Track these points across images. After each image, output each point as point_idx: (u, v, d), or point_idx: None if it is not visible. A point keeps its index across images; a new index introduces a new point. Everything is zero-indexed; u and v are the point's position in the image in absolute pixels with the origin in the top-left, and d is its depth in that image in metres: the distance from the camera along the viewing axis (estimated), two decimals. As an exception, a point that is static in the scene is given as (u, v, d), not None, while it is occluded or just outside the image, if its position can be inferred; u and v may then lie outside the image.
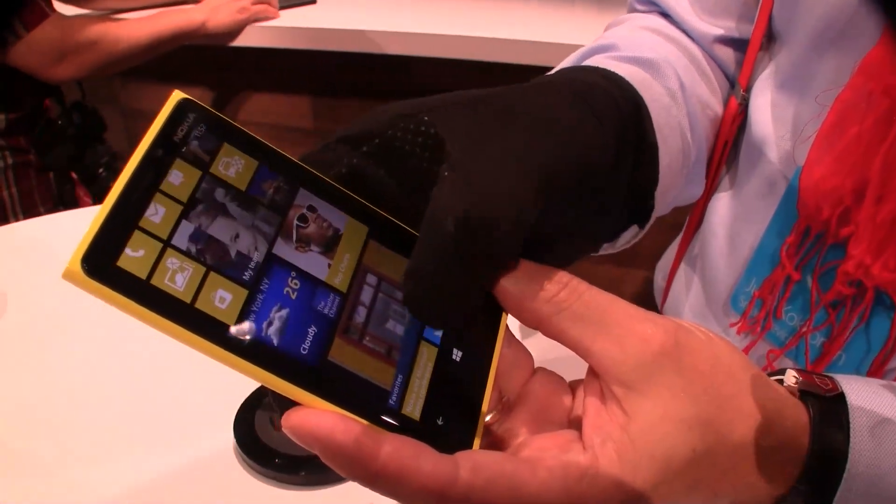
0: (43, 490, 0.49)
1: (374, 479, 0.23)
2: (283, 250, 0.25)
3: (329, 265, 0.26)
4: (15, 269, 0.70)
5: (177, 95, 0.25)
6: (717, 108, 0.54)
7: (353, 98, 1.55)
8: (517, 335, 0.30)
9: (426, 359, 0.27)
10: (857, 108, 0.41)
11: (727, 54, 0.55)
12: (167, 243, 0.23)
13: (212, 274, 0.23)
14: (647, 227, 0.42)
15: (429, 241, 0.25)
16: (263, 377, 0.23)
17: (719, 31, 0.53)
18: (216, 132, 0.25)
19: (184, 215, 0.24)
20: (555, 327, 0.26)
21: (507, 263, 0.27)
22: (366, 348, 0.26)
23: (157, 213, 0.23)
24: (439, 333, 0.28)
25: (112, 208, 0.22)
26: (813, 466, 0.27)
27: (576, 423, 0.27)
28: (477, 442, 0.26)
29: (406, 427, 0.25)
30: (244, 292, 0.24)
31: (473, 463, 0.24)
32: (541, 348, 0.31)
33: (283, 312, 0.24)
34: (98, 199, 1.27)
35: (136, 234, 0.22)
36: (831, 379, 0.30)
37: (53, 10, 1.13)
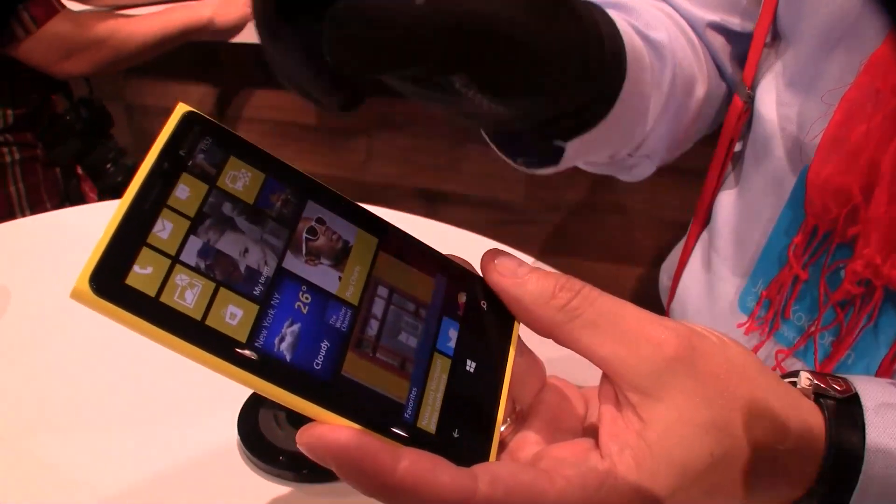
0: (44, 486, 0.49)
1: (391, 494, 0.23)
2: (293, 264, 0.25)
3: (340, 278, 0.26)
4: (19, 265, 0.70)
5: (181, 108, 0.25)
6: (701, 81, 0.54)
7: (357, 95, 1.54)
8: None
9: (440, 371, 0.27)
10: (864, 107, 0.41)
11: (718, 42, 0.55)
12: (176, 259, 0.23)
13: (222, 290, 0.23)
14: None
15: None
16: (277, 394, 0.23)
17: (712, 18, 0.53)
18: (222, 145, 0.25)
19: (192, 230, 0.23)
20: (568, 335, 0.26)
21: None
22: (379, 362, 0.25)
23: (164, 229, 0.23)
24: (452, 345, 0.27)
25: (119, 225, 0.22)
26: (829, 468, 0.27)
27: (590, 431, 0.28)
28: (493, 453, 0.26)
29: (422, 440, 0.25)
30: (255, 308, 0.23)
31: (492, 475, 0.24)
32: (545, 355, 0.30)
33: (295, 327, 0.24)
34: (104, 194, 1.27)
35: (144, 251, 0.22)
36: (844, 380, 0.30)
37: (63, 6, 1.13)
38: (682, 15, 0.54)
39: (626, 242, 1.54)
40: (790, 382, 0.29)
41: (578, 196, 1.52)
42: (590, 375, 0.28)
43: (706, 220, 0.60)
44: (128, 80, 1.64)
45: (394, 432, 0.24)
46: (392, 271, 0.27)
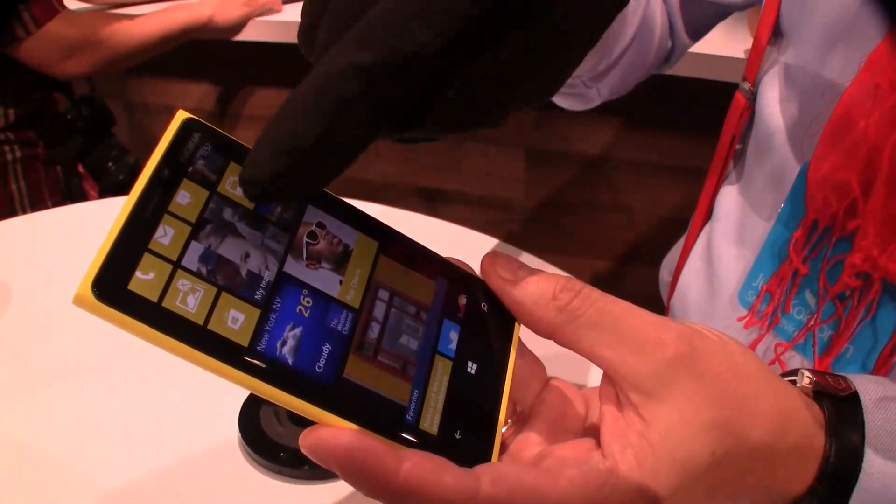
0: (46, 484, 0.49)
1: (395, 496, 0.23)
2: (294, 268, 0.25)
3: (340, 281, 0.26)
4: (20, 262, 0.70)
5: (181, 115, 0.25)
6: (658, 27, 0.57)
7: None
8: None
9: (441, 373, 0.27)
10: (863, 103, 0.41)
11: (675, 1, 0.58)
12: (177, 265, 0.23)
13: (223, 294, 0.23)
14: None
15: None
16: (279, 397, 0.23)
17: None
18: (222, 151, 0.25)
19: (193, 236, 0.23)
20: (569, 336, 0.26)
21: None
22: (381, 364, 0.25)
23: (165, 235, 0.23)
24: (454, 346, 0.28)
25: (120, 231, 0.22)
26: (830, 466, 0.27)
27: (591, 432, 0.28)
28: (495, 454, 0.26)
29: (425, 442, 0.25)
30: (257, 312, 0.24)
31: (494, 475, 0.24)
32: (545, 356, 0.30)
33: (297, 331, 0.24)
34: (106, 193, 1.28)
35: (146, 257, 0.22)
36: (844, 378, 0.30)
37: (63, 6, 1.13)
38: None
39: (626, 241, 1.55)
40: (790, 381, 0.29)
41: (578, 195, 1.52)
42: (590, 376, 0.28)
43: (707, 215, 0.60)
44: (129, 78, 1.65)
45: (397, 434, 0.24)
46: (393, 274, 0.27)
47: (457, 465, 0.24)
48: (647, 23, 0.56)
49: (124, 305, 0.21)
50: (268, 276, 0.24)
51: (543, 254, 0.73)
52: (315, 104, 0.22)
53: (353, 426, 0.24)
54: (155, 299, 0.22)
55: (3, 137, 1.12)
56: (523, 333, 0.29)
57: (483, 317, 0.29)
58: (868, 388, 0.29)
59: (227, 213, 0.25)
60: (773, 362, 0.50)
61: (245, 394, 0.54)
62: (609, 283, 1.59)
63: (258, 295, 0.24)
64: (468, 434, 0.26)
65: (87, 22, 1.14)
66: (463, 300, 0.29)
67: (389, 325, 0.26)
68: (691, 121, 1.33)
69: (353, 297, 0.26)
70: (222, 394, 0.54)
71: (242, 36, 1.31)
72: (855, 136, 0.42)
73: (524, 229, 1.58)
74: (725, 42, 1.12)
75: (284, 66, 1.56)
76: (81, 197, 1.27)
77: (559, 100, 0.61)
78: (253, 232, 0.25)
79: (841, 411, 0.28)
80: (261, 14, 1.31)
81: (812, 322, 0.47)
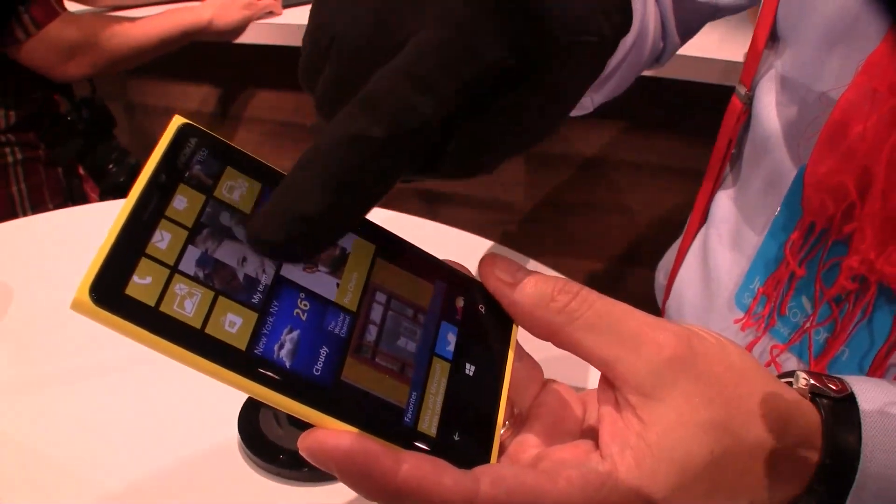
0: (46, 485, 0.49)
1: (394, 498, 0.23)
2: (291, 272, 0.25)
3: (337, 285, 0.26)
4: (21, 263, 0.70)
5: (177, 120, 0.25)
6: (651, 32, 0.57)
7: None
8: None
9: (439, 374, 0.27)
10: (861, 107, 0.42)
11: (668, 2, 0.58)
12: (174, 269, 0.23)
13: (220, 298, 0.23)
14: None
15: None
16: (278, 400, 0.23)
17: None
18: (218, 156, 0.26)
19: (190, 240, 0.24)
20: (567, 338, 0.26)
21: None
22: (379, 367, 0.26)
23: (162, 240, 0.23)
24: (451, 348, 0.28)
25: (118, 236, 0.22)
26: (827, 467, 0.28)
27: (589, 433, 0.28)
28: (494, 455, 0.26)
29: (423, 444, 0.25)
30: (254, 315, 0.24)
31: (493, 476, 0.24)
32: (543, 358, 0.31)
33: (294, 334, 0.24)
34: (106, 195, 1.28)
35: (143, 262, 0.22)
36: (840, 380, 0.30)
37: (64, 8, 1.13)
38: None
39: (626, 242, 1.55)
40: (787, 382, 0.30)
41: (578, 196, 1.52)
42: (588, 378, 0.29)
43: (703, 218, 0.60)
44: (129, 80, 1.65)
45: (395, 436, 0.24)
46: (390, 277, 0.28)
47: (455, 466, 0.24)
48: (642, 31, 0.56)
49: (122, 310, 0.21)
50: (265, 279, 0.25)
51: (543, 255, 0.73)
52: (325, 173, 0.22)
53: (352, 428, 0.24)
54: (153, 304, 0.22)
55: (3, 139, 1.12)
56: (521, 335, 0.29)
57: (481, 319, 0.29)
58: (864, 389, 0.29)
59: (224, 218, 0.25)
60: (768, 364, 0.50)
61: (244, 396, 0.54)
62: (608, 284, 1.59)
63: (255, 299, 0.24)
64: (466, 436, 0.26)
65: (87, 24, 1.14)
66: (461, 302, 0.29)
67: (387, 328, 0.26)
68: (691, 123, 1.33)
69: (350, 300, 0.26)
70: (222, 395, 0.54)
71: (243, 39, 1.32)
72: (852, 140, 0.42)
73: (524, 231, 1.58)
74: (726, 45, 1.12)
75: (284, 69, 1.56)
76: (82, 199, 1.27)
77: None
78: None
79: (837, 412, 0.29)
80: (261, 17, 1.32)
81: (808, 324, 0.48)
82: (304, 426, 0.24)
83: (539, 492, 0.24)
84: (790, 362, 0.49)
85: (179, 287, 0.23)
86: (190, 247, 0.23)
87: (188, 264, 0.23)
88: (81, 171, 1.27)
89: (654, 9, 0.58)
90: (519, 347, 0.29)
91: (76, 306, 0.21)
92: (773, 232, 0.50)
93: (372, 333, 0.26)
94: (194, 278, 0.23)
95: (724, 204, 0.57)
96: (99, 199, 1.28)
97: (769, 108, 0.51)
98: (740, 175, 0.56)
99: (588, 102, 0.60)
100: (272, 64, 1.53)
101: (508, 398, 0.28)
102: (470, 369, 0.28)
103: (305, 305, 0.25)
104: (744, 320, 0.52)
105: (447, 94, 0.23)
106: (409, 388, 0.26)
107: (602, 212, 1.53)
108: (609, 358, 0.26)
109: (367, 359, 0.25)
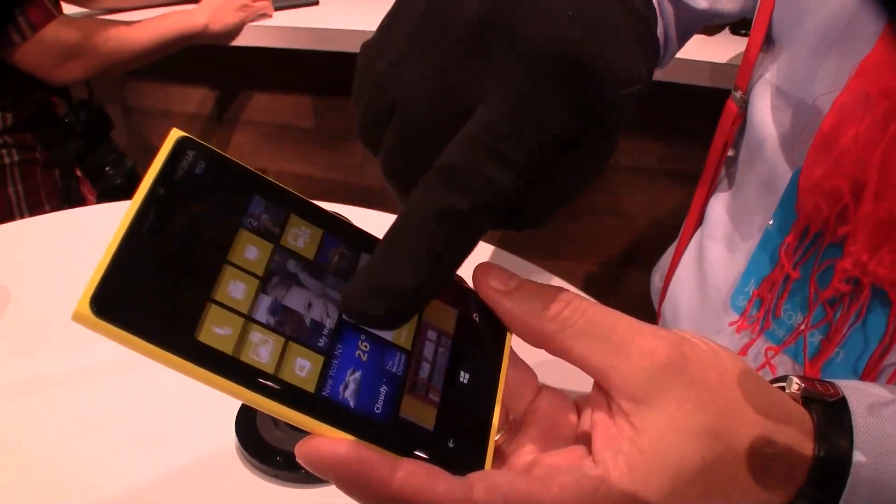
0: (43, 488, 0.49)
1: None
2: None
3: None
4: (19, 266, 0.70)
5: (175, 134, 0.25)
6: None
7: (355, 98, 1.55)
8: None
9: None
10: (854, 110, 0.42)
11: (670, 11, 0.58)
12: (249, 318, 0.24)
13: (291, 344, 0.24)
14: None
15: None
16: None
17: None
18: (217, 169, 0.26)
19: (261, 289, 0.25)
20: (560, 345, 0.27)
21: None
22: (430, 402, 0.27)
23: (236, 289, 0.24)
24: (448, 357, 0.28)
25: (117, 250, 0.22)
26: (819, 471, 0.28)
27: (583, 439, 0.28)
28: (488, 462, 0.27)
29: (419, 451, 0.25)
30: (321, 359, 0.25)
31: (487, 483, 0.25)
32: (537, 364, 0.31)
33: (357, 375, 0.25)
34: (104, 197, 1.28)
35: (218, 311, 0.23)
36: (832, 385, 0.30)
37: (60, 11, 1.13)
38: None
39: (623, 245, 1.55)
40: (779, 387, 0.30)
41: (576, 199, 1.52)
42: (582, 384, 0.29)
43: (699, 221, 0.61)
44: (127, 82, 1.65)
45: (390, 443, 0.25)
46: (437, 314, 0.29)
47: (450, 473, 0.25)
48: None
49: (199, 359, 0.22)
50: (329, 323, 0.25)
51: (541, 257, 0.73)
52: (418, 248, 0.24)
53: (346, 435, 0.24)
54: (230, 352, 0.23)
55: (0, 141, 1.12)
56: (515, 342, 0.29)
57: (475, 327, 0.29)
58: (856, 393, 0.30)
59: (291, 265, 0.26)
60: (763, 366, 0.50)
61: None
62: (605, 287, 1.59)
63: (321, 342, 0.25)
64: (461, 443, 0.26)
65: (82, 28, 1.14)
66: (455, 311, 0.29)
67: (437, 364, 0.28)
68: (688, 126, 1.34)
69: (405, 339, 0.27)
70: (219, 399, 0.54)
71: (242, 41, 1.32)
72: (846, 144, 0.42)
73: (521, 234, 1.58)
74: (723, 49, 1.12)
75: (282, 71, 1.56)
76: (80, 201, 1.27)
77: None
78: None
79: (829, 417, 0.29)
80: (254, 19, 1.32)
81: (803, 326, 0.48)
82: (301, 429, 0.24)
83: (533, 498, 0.25)
84: (785, 364, 0.50)
85: (255, 335, 0.24)
86: (262, 296, 0.24)
87: (260, 312, 0.24)
88: (79, 173, 1.27)
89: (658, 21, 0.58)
90: (513, 354, 0.29)
91: (77, 318, 0.21)
92: (768, 235, 0.50)
93: (425, 370, 0.27)
94: (267, 326, 0.24)
95: (719, 207, 0.58)
96: (96, 201, 1.28)
97: (764, 112, 0.51)
98: (735, 178, 0.56)
99: None
100: (270, 66, 1.53)
101: (503, 405, 0.28)
102: (464, 377, 0.28)
103: (366, 346, 0.26)
104: (739, 323, 0.52)
105: (522, 163, 0.24)
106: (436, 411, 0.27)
107: (599, 215, 1.53)
108: (601, 365, 0.26)
109: (422, 395, 0.26)
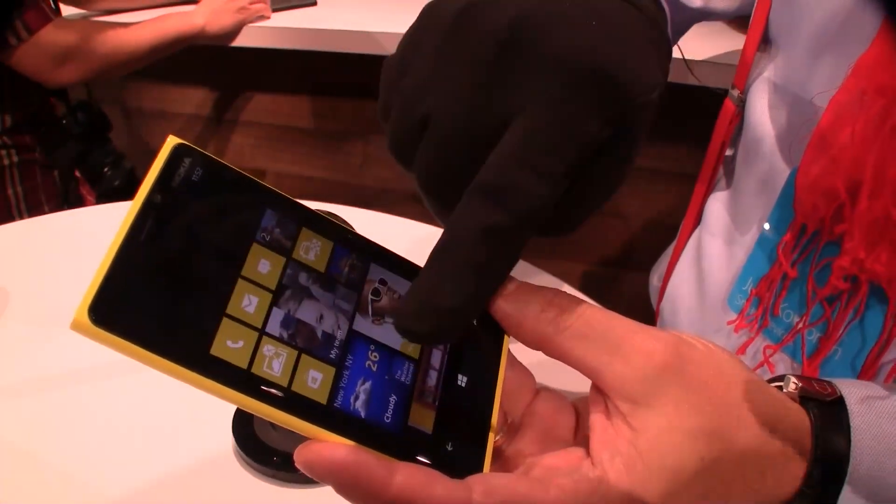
0: (42, 489, 0.49)
1: None
2: (361, 324, 0.26)
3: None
4: (18, 266, 0.70)
5: (172, 141, 0.25)
6: None
7: (353, 98, 1.55)
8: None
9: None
10: (851, 109, 0.42)
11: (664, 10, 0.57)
12: (262, 332, 0.24)
13: (304, 356, 0.25)
14: None
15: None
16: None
17: None
18: (214, 176, 0.26)
19: (274, 303, 0.25)
20: (557, 347, 0.27)
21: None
22: (436, 408, 0.27)
23: (250, 304, 0.24)
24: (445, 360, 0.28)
25: (115, 257, 0.22)
26: (817, 470, 0.28)
27: (582, 441, 0.28)
28: (487, 465, 0.27)
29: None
30: (332, 370, 0.25)
31: (486, 486, 0.25)
32: (535, 366, 0.31)
33: (367, 385, 0.26)
34: (102, 198, 1.28)
35: (232, 325, 0.23)
36: (830, 384, 0.30)
37: (56, 14, 1.13)
38: None
39: (621, 246, 1.55)
40: (777, 386, 0.30)
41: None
42: (580, 386, 0.29)
43: (697, 221, 0.61)
44: (126, 83, 1.65)
45: (388, 447, 0.25)
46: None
47: (448, 476, 0.25)
48: None
49: (210, 372, 0.23)
50: (340, 335, 0.25)
51: (539, 258, 0.73)
52: (464, 266, 0.25)
53: (345, 440, 0.24)
54: (244, 366, 0.23)
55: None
56: (512, 345, 0.29)
57: (472, 330, 0.29)
58: (853, 392, 0.30)
59: (302, 278, 0.26)
60: (761, 364, 0.50)
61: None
62: (604, 287, 1.59)
63: (333, 354, 0.25)
64: (459, 446, 0.26)
65: (79, 29, 1.14)
66: None
67: (444, 372, 0.28)
68: (685, 127, 1.34)
69: (413, 349, 0.27)
70: (216, 400, 0.54)
71: (240, 42, 1.32)
72: (842, 142, 0.42)
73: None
74: (720, 49, 1.12)
75: (281, 72, 1.56)
76: (78, 202, 1.27)
77: None
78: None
79: (827, 416, 0.29)
80: (252, 20, 1.32)
81: (801, 325, 0.48)
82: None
83: (531, 500, 0.25)
84: (783, 362, 0.50)
85: (268, 349, 0.24)
86: (275, 309, 0.25)
87: (274, 326, 0.24)
88: (78, 174, 1.27)
89: None
90: (511, 356, 0.30)
91: (75, 327, 0.21)
92: (766, 233, 0.50)
93: (433, 378, 0.27)
94: (279, 339, 0.24)
95: (717, 206, 0.58)
96: (96, 202, 1.28)
97: (762, 111, 0.51)
98: (733, 177, 0.56)
99: None
100: (269, 68, 1.53)
101: (501, 407, 0.28)
102: (462, 380, 0.28)
103: (375, 357, 0.26)
104: (737, 321, 0.52)
105: (559, 175, 0.25)
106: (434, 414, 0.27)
107: (598, 216, 1.52)
108: (599, 366, 0.26)
109: (430, 403, 0.27)
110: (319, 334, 0.25)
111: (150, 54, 1.20)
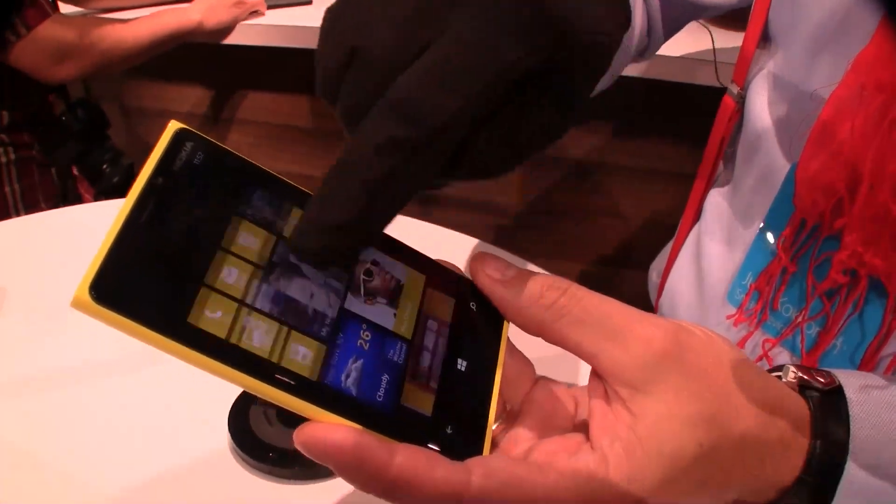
0: (39, 487, 0.49)
1: (387, 489, 0.24)
2: (353, 304, 0.26)
3: (395, 315, 0.27)
4: (15, 264, 0.70)
5: (174, 125, 0.26)
6: (638, 27, 0.58)
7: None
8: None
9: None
10: (850, 104, 0.42)
11: (656, 2, 0.58)
12: (242, 303, 0.24)
13: (292, 332, 0.24)
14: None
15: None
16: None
17: None
18: (214, 160, 0.26)
19: (255, 276, 0.25)
20: (557, 333, 0.27)
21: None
22: (430, 389, 0.27)
23: (230, 275, 0.24)
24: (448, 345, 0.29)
25: (116, 238, 0.23)
26: (815, 458, 0.28)
27: (581, 427, 0.28)
28: (486, 449, 0.27)
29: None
30: (323, 347, 0.25)
31: (485, 468, 0.25)
32: (534, 354, 0.31)
33: (359, 363, 0.25)
34: (101, 196, 1.28)
35: (213, 296, 0.23)
36: (829, 374, 0.30)
37: (54, 10, 1.13)
38: None
39: (619, 245, 1.55)
40: (776, 376, 0.30)
41: (572, 199, 1.52)
42: (579, 374, 0.29)
43: (696, 217, 0.61)
44: (124, 81, 1.65)
45: (391, 431, 0.25)
46: (437, 305, 0.29)
47: (449, 459, 0.25)
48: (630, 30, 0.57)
49: (186, 339, 0.22)
50: (331, 313, 0.25)
51: (537, 257, 0.73)
52: (355, 182, 0.23)
53: (347, 422, 0.24)
54: (223, 336, 0.23)
55: (-3, 140, 1.12)
56: (512, 332, 0.29)
57: (472, 316, 0.29)
58: (852, 382, 0.30)
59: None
60: (760, 358, 0.51)
61: (234, 395, 0.54)
62: (603, 287, 1.57)
63: (323, 332, 0.25)
64: (459, 429, 0.26)
65: (77, 26, 1.14)
66: (452, 300, 0.29)
67: (437, 352, 0.28)
68: (683, 126, 1.34)
69: (406, 329, 0.27)
70: (212, 395, 0.54)
71: (238, 40, 1.32)
72: (841, 137, 0.42)
73: (518, 233, 1.58)
74: (721, 46, 1.12)
75: (280, 71, 1.56)
76: (77, 200, 1.27)
77: None
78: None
79: (825, 405, 0.29)
80: (247, 17, 1.32)
81: (800, 319, 0.48)
82: (294, 424, 0.24)
83: (530, 483, 0.25)
84: (782, 356, 0.50)
85: (247, 320, 0.24)
86: (256, 282, 0.25)
87: (257, 298, 0.24)
88: (76, 171, 1.27)
89: (640, 4, 0.58)
90: (510, 344, 0.30)
91: (76, 304, 0.22)
92: (765, 228, 0.51)
93: (426, 359, 0.27)
94: (263, 311, 0.24)
95: (716, 202, 0.58)
96: (94, 199, 1.28)
97: (762, 107, 0.51)
98: (733, 173, 0.57)
99: None
100: (268, 66, 1.53)
101: (500, 394, 0.28)
102: (462, 365, 0.28)
103: (367, 336, 0.26)
104: (736, 316, 0.52)
105: (471, 93, 0.23)
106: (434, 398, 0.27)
107: (595, 215, 1.53)
108: (598, 352, 0.26)
109: (423, 383, 0.27)
110: (309, 311, 0.25)
111: (147, 50, 1.20)
